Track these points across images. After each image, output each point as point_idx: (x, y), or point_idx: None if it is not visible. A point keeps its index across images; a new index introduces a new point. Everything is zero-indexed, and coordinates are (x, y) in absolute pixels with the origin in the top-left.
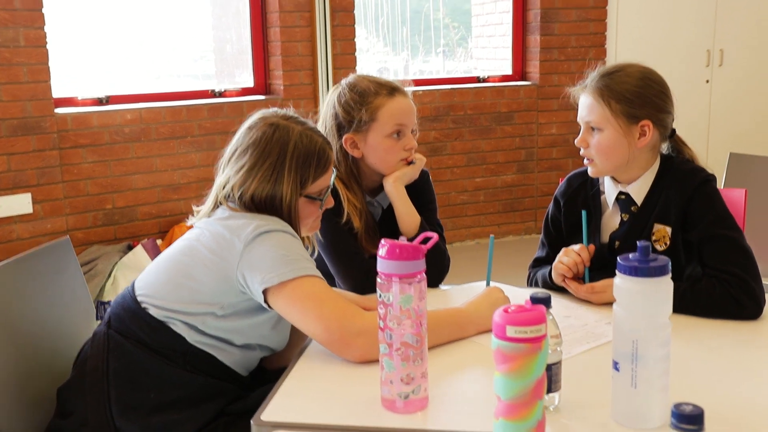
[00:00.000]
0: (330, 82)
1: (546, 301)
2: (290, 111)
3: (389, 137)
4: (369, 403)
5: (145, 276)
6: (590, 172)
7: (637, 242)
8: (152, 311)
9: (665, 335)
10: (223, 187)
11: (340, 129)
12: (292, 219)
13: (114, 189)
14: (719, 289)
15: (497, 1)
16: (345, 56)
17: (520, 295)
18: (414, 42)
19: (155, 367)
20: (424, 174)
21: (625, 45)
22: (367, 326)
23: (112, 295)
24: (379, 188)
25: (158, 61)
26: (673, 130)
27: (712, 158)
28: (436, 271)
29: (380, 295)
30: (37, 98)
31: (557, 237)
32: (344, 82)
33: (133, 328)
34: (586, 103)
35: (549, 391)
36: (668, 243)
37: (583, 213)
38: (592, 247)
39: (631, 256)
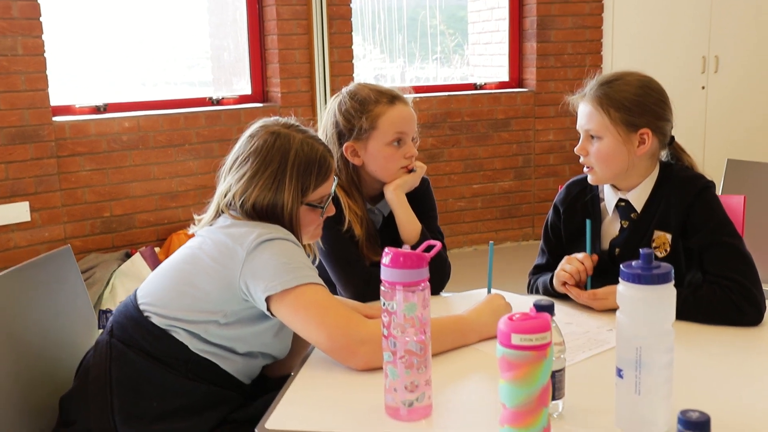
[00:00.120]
0: (327, 90)
1: (550, 309)
2: (291, 119)
3: (390, 145)
4: (373, 410)
5: (148, 284)
6: (590, 179)
7: (640, 250)
8: (155, 320)
9: (669, 342)
10: (225, 196)
11: (341, 137)
12: (293, 227)
13: (112, 197)
14: (720, 295)
15: (493, 8)
16: (342, 64)
17: (520, 302)
18: (410, 49)
19: (158, 376)
20: (424, 181)
21: (621, 52)
22: (371, 334)
23: (111, 303)
24: (380, 196)
25: (155, 69)
26: (672, 138)
27: (708, 164)
28: (438, 278)
29: (384, 303)
30: (35, 106)
31: (557, 244)
32: (345, 90)
33: (136, 337)
34: (585, 112)
35: (553, 398)
36: (668, 250)
37: (588, 222)
38: (595, 257)
39: (634, 263)
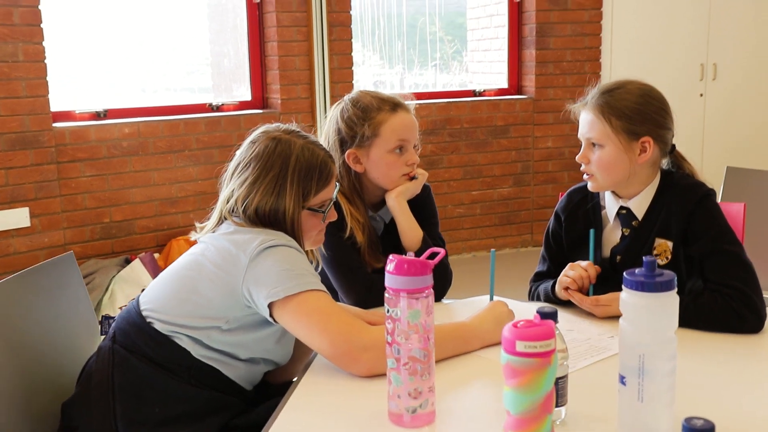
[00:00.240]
0: (327, 96)
1: (553, 316)
2: (292, 126)
3: (392, 152)
4: (376, 417)
5: (150, 291)
6: (590, 186)
7: (644, 258)
8: (157, 326)
9: (672, 349)
10: (227, 201)
11: (343, 144)
12: (295, 232)
13: (111, 203)
14: (721, 302)
15: (492, 15)
16: (342, 70)
17: (522, 309)
18: (409, 56)
19: (160, 382)
20: (425, 188)
21: (619, 59)
22: (374, 341)
23: (110, 309)
24: (382, 203)
25: (155, 75)
26: (673, 146)
27: (706, 172)
28: (440, 285)
29: (388, 310)
30: (36, 113)
31: (558, 251)
32: (347, 97)
33: (138, 343)
34: (587, 120)
35: (555, 405)
36: (669, 257)
37: (591, 232)
38: (598, 268)
39: (637, 271)
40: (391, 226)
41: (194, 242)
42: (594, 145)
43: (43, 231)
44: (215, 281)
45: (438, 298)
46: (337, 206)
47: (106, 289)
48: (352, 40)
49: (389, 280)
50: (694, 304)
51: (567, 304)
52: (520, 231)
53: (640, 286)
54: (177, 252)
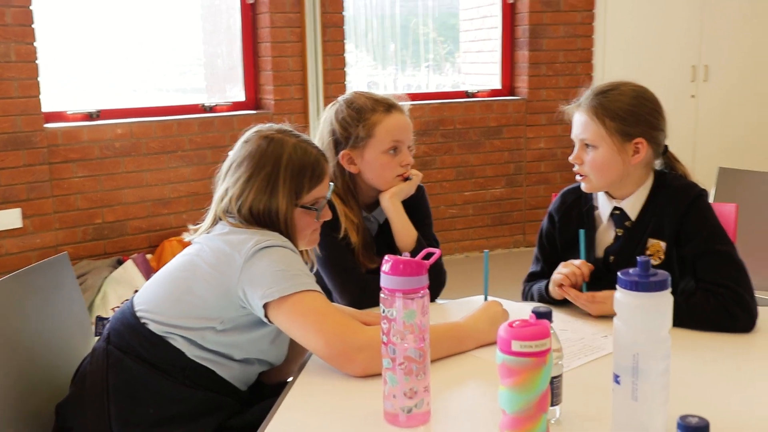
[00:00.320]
0: (320, 97)
1: (548, 316)
2: (285, 125)
3: (386, 153)
4: (372, 417)
5: (145, 291)
6: (584, 187)
7: (638, 258)
8: (152, 326)
9: (665, 349)
10: (222, 200)
11: (338, 145)
12: (289, 231)
13: (104, 204)
14: (713, 302)
15: (485, 17)
16: (335, 71)
17: (516, 309)
18: (402, 56)
19: (155, 383)
20: (419, 189)
21: (612, 61)
22: (369, 341)
23: (102, 310)
24: (376, 203)
25: (148, 76)
26: (666, 147)
27: (698, 172)
28: (435, 286)
29: (384, 311)
30: (28, 113)
31: (552, 252)
32: (341, 98)
33: (133, 344)
34: (580, 121)
35: (550, 404)
36: (662, 258)
37: (581, 232)
38: (592, 266)
39: (631, 270)
40: (386, 227)
41: (187, 243)
42: (588, 146)
43: (35, 232)
44: (210, 282)
45: (432, 298)
46: (331, 207)
47: (99, 290)
48: (345, 41)
49: (385, 281)
50: (686, 304)
51: (561, 304)
52: (512, 231)
53: (635, 286)
54: (170, 253)
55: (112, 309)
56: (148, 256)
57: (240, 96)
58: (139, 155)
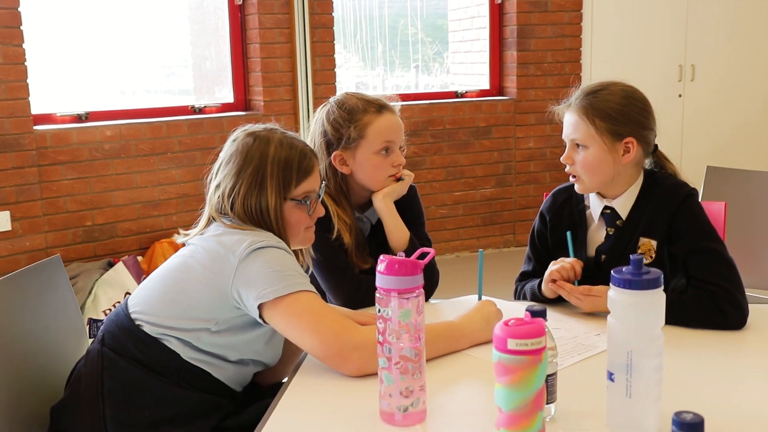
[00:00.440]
0: (310, 98)
1: (543, 314)
2: (273, 124)
3: (378, 154)
4: (368, 416)
5: (139, 293)
6: (577, 188)
7: (630, 256)
8: (146, 328)
9: (659, 346)
10: (214, 198)
11: (329, 146)
12: (281, 227)
13: (94, 206)
14: (705, 300)
15: (474, 17)
16: (324, 72)
17: (510, 308)
18: (390, 57)
19: (150, 385)
20: (412, 189)
21: (599, 60)
22: (364, 340)
23: (93, 312)
24: (368, 204)
25: (137, 78)
26: (656, 146)
27: (686, 171)
28: (428, 285)
29: (379, 310)
30: (16, 115)
31: (543, 252)
32: (332, 99)
33: (128, 346)
34: (571, 121)
35: (546, 401)
36: (654, 256)
37: (568, 234)
38: (582, 263)
39: (624, 269)
40: (378, 227)
41: (178, 245)
42: (578, 145)
43: (25, 234)
44: (204, 283)
45: (425, 298)
46: (323, 207)
47: (89, 292)
48: (334, 42)
49: (380, 280)
50: (678, 302)
51: (554, 303)
52: (502, 231)
53: (628, 284)
54: (160, 254)
55: (103, 311)
56: (139, 258)
57: (229, 97)
58: (128, 157)
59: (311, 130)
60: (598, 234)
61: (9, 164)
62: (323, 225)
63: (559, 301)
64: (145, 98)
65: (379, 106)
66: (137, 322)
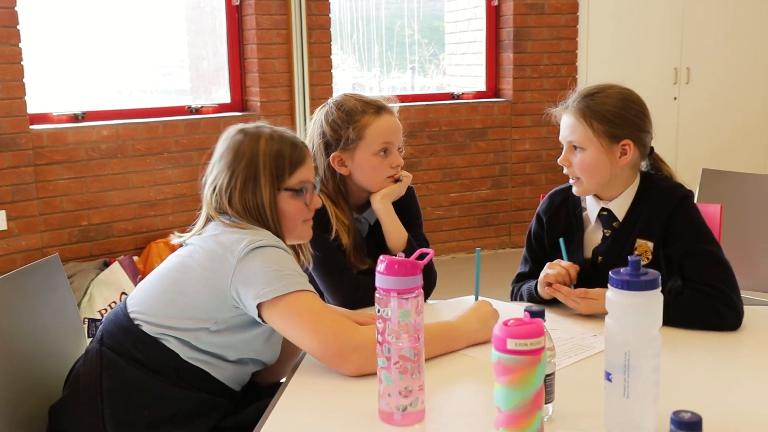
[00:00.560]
0: (307, 99)
1: (541, 314)
2: (262, 122)
3: (376, 155)
4: (367, 416)
5: (138, 293)
6: (576, 191)
7: (629, 257)
8: (145, 328)
9: (656, 347)
10: (211, 195)
11: (328, 147)
12: (277, 220)
13: (90, 205)
14: (701, 301)
15: (470, 19)
16: (321, 73)
17: (506, 308)
18: (386, 58)
19: (149, 384)
20: (409, 190)
21: (595, 63)
22: (363, 340)
23: (89, 312)
24: (366, 205)
25: (134, 78)
26: (652, 149)
27: (681, 174)
28: (426, 286)
29: (379, 310)
30: (12, 115)
31: (540, 253)
32: (331, 101)
33: (127, 345)
34: (568, 123)
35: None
36: (650, 258)
37: (561, 241)
38: (578, 267)
39: (622, 270)
40: (376, 228)
41: (173, 245)
42: (575, 148)
43: (21, 234)
44: (203, 282)
45: (424, 298)
46: (322, 209)
47: (85, 292)
48: (331, 43)
49: (380, 281)
50: (674, 303)
51: (550, 304)
52: (498, 232)
53: (626, 285)
54: (156, 255)
55: (99, 311)
56: (135, 258)
57: (226, 98)
58: (124, 157)
59: (309, 131)
60: (594, 236)
61: (5, 164)
62: (322, 225)
63: (555, 303)
64: (141, 98)
65: (377, 108)
66: (136, 322)
